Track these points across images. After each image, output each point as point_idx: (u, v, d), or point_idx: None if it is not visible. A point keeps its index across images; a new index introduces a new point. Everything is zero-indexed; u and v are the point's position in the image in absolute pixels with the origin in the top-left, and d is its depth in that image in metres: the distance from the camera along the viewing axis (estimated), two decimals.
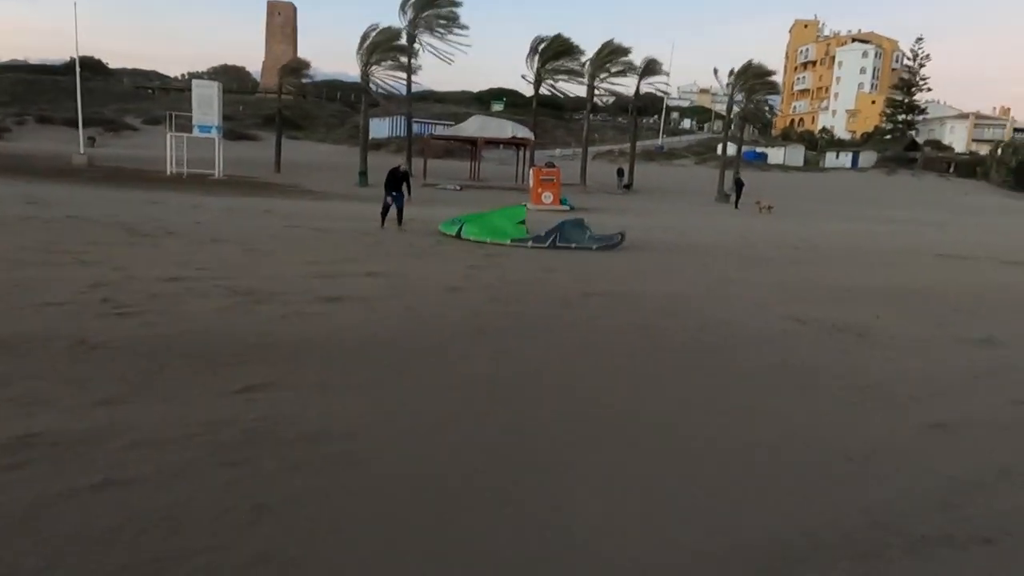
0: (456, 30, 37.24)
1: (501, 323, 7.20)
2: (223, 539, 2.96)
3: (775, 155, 72.03)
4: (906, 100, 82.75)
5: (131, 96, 79.59)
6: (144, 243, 10.99)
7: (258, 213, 17.35)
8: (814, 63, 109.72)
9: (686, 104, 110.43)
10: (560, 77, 41.17)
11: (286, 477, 3.54)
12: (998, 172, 66.05)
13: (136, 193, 21.10)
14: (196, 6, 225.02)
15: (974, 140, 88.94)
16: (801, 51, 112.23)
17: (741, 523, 3.34)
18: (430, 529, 3.15)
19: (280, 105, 43.92)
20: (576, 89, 42.25)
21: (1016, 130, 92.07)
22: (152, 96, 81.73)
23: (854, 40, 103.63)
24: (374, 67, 35.86)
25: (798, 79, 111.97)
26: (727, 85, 40.92)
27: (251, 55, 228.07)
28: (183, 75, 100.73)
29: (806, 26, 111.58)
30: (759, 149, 70.95)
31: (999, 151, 69.27)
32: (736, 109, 41.76)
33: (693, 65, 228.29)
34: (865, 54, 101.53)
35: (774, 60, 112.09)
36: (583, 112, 44.62)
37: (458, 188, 34.32)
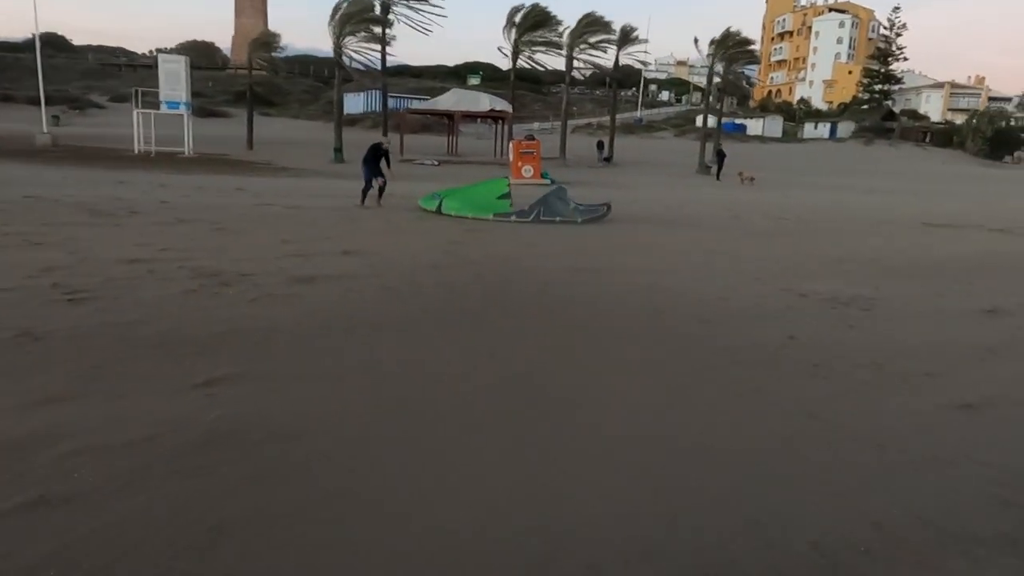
0: (431, 0, 36.31)
1: (485, 303, 6.75)
2: (175, 568, 2.50)
3: (754, 126, 71.70)
4: (883, 70, 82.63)
5: (97, 73, 77.24)
6: (105, 223, 10.34)
7: (229, 191, 16.66)
8: (791, 33, 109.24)
9: (664, 77, 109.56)
10: (538, 49, 40.31)
11: (250, 488, 3.07)
12: (974, 141, 66.40)
13: (102, 172, 20.24)
14: None
15: (949, 109, 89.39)
16: (778, 21, 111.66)
17: (769, 530, 2.94)
18: (417, 556, 2.72)
19: (251, 81, 42.60)
20: (554, 62, 41.52)
21: (991, 99, 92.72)
22: (119, 73, 79.34)
23: (831, 10, 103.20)
24: (347, 40, 34.83)
25: (775, 50, 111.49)
26: (707, 56, 40.39)
27: (221, 31, 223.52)
28: (151, 51, 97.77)
29: None
30: (738, 120, 70.57)
31: (974, 120, 69.60)
32: (716, 80, 41.26)
33: (670, 38, 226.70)
34: (842, 24, 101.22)
35: (751, 31, 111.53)
36: (561, 85, 43.83)
37: (436, 163, 33.60)
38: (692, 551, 2.76)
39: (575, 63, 40.56)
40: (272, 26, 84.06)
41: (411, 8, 36.56)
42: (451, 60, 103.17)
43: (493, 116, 41.74)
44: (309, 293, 6.66)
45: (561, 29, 39.40)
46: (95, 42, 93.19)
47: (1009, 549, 2.85)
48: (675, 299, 7.31)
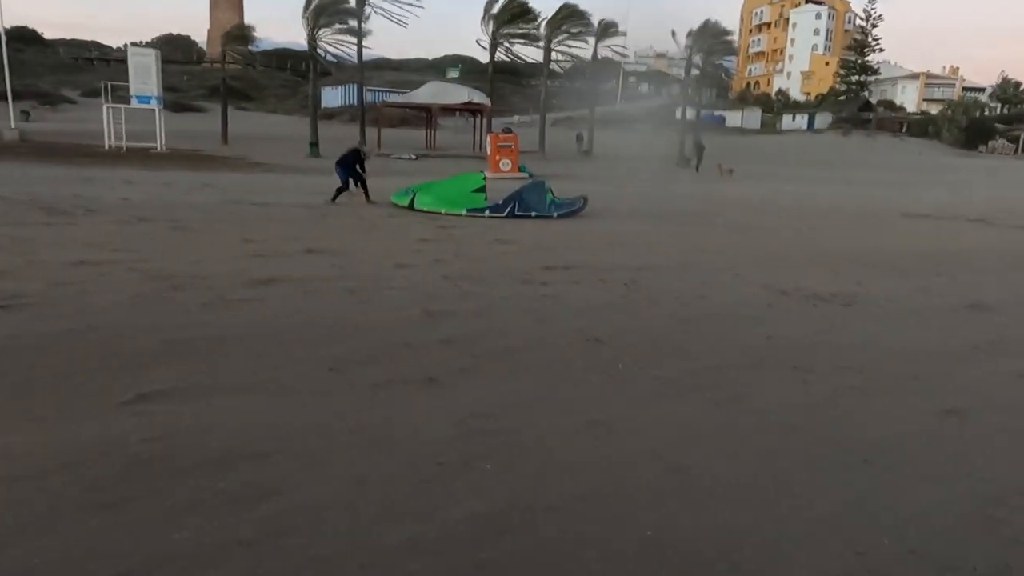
0: None
1: (452, 305, 6.42)
2: None
3: (733, 118, 71.84)
4: (859, 61, 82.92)
5: (69, 68, 75.70)
6: (58, 223, 9.89)
7: (196, 188, 16.18)
8: (768, 25, 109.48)
9: (643, 69, 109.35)
10: (516, 41, 39.95)
11: (173, 526, 2.74)
12: (949, 131, 66.95)
13: (67, 169, 19.63)
14: None
15: (925, 100, 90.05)
16: (756, 13, 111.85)
17: (746, 566, 2.66)
18: None
19: (225, 74, 41.77)
20: (533, 54, 41.08)
21: (965, 89, 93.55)
22: (92, 67, 77.80)
23: (807, 1, 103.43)
24: (321, 32, 34.25)
25: (753, 42, 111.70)
26: (685, 47, 40.19)
27: (198, 24, 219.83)
28: (125, 45, 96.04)
29: None
30: (717, 112, 70.58)
31: (950, 110, 70.17)
32: (695, 71, 41.08)
33: (649, 31, 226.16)
34: (818, 15, 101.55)
35: (730, 23, 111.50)
36: (540, 78, 43.39)
37: (414, 157, 33.14)
38: None
39: (554, 55, 40.20)
40: (249, 20, 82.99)
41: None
42: (431, 53, 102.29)
43: (471, 109, 41.31)
44: (265, 297, 6.30)
45: (539, 22, 39.07)
46: (69, 36, 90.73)
47: None
48: (651, 297, 7.03)
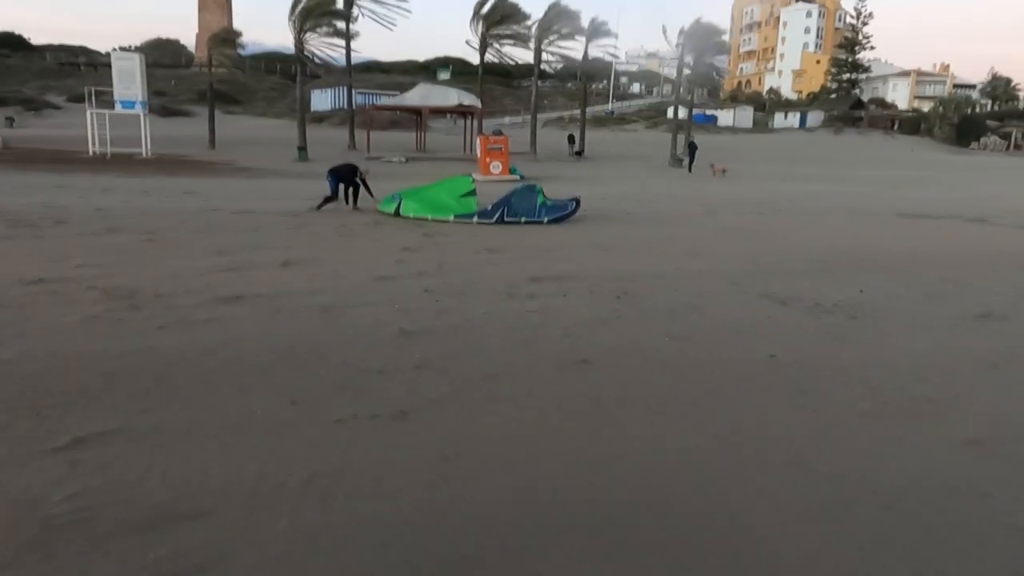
0: None
1: (431, 321, 6.01)
2: None
3: (725, 117, 71.51)
4: (850, 59, 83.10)
5: (55, 73, 74.92)
6: (22, 236, 9.43)
7: (176, 195, 15.72)
8: (759, 24, 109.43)
9: (634, 68, 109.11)
10: (506, 42, 39.55)
11: None
12: (941, 128, 66.86)
13: (44, 177, 19.12)
14: None
15: (916, 97, 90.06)
16: (746, 12, 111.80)
17: None
18: None
19: (212, 78, 41.23)
20: (523, 55, 40.71)
21: (956, 86, 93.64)
22: (79, 72, 77.04)
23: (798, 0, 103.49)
24: (308, 34, 33.79)
25: (744, 40, 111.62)
26: (676, 46, 39.82)
27: (187, 28, 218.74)
28: (113, 50, 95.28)
29: None
30: (709, 112, 70.28)
31: (941, 107, 70.11)
32: (686, 71, 40.70)
33: (640, 31, 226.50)
34: (809, 14, 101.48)
35: (721, 22, 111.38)
36: (531, 79, 43.01)
37: (403, 160, 32.68)
38: None
39: (544, 56, 39.81)
40: (238, 23, 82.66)
41: (375, 2, 35.64)
42: (421, 55, 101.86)
43: (462, 111, 40.89)
44: (230, 317, 5.87)
45: (529, 22, 38.71)
46: (57, 41, 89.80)
47: None
48: (644, 310, 6.63)
